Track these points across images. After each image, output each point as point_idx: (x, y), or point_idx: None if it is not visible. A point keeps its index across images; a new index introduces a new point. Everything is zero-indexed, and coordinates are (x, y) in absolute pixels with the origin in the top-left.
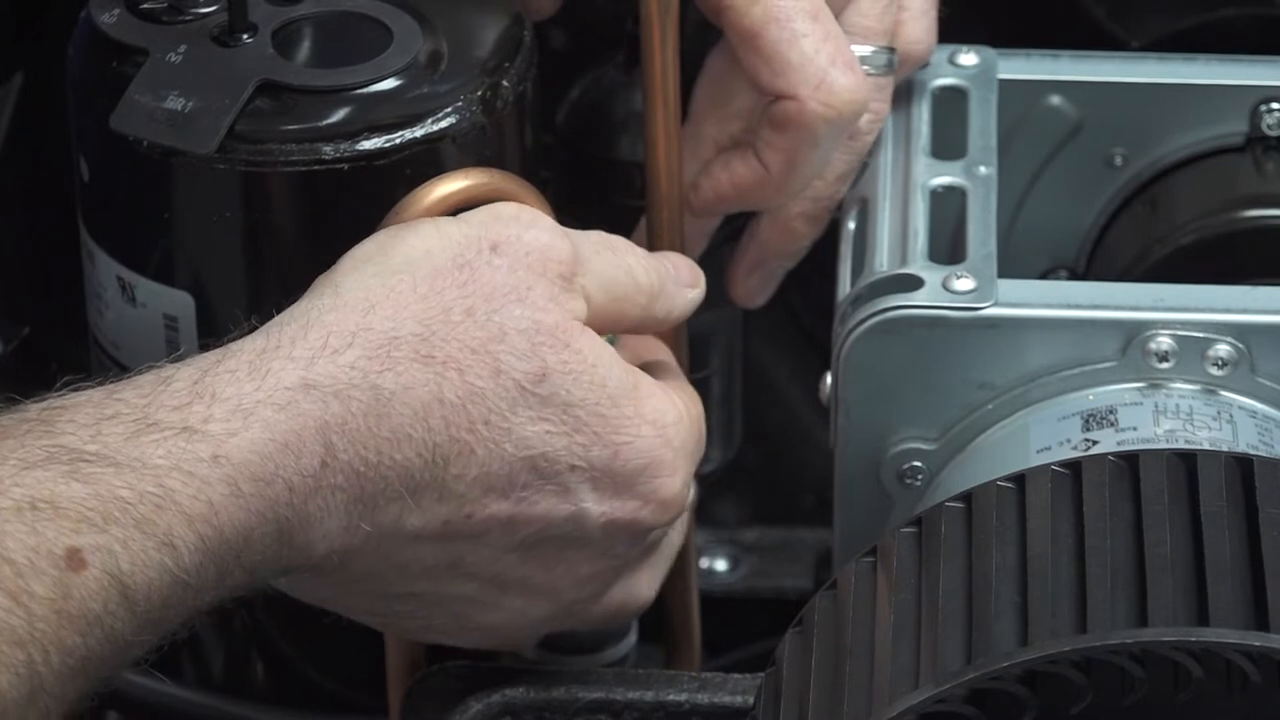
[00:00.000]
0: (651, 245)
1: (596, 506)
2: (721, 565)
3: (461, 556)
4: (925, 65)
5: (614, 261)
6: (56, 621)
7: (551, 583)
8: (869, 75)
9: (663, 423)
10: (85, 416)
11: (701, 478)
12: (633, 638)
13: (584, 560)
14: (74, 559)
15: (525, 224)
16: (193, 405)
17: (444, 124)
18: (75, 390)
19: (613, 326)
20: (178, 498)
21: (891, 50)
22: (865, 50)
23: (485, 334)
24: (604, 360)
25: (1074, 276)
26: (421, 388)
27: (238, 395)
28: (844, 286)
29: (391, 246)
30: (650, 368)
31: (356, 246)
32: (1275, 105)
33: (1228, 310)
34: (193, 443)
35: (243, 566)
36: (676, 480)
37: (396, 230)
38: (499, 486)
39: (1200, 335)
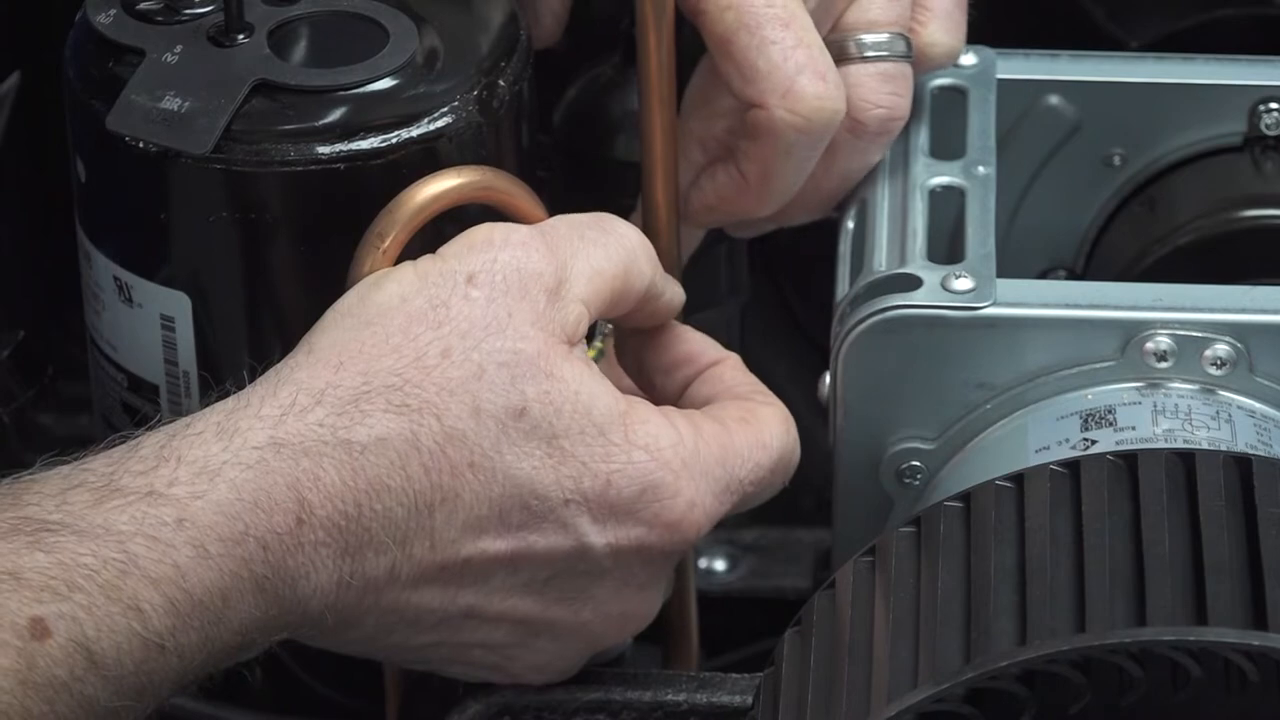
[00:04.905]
0: None
1: (599, 538)
2: (720, 565)
3: (473, 604)
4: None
5: (605, 240)
6: (21, 692)
7: (582, 625)
8: (885, 61)
9: (657, 446)
10: (52, 488)
11: None
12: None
13: (610, 597)
14: (38, 628)
15: (499, 246)
16: (158, 469)
17: (440, 124)
18: (49, 465)
19: (621, 302)
20: (141, 562)
21: (906, 38)
22: (880, 37)
23: (462, 373)
24: (588, 387)
25: (1072, 276)
26: (396, 437)
27: (204, 457)
28: (843, 286)
29: (369, 297)
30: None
31: (339, 299)
32: (1274, 105)
33: (1226, 310)
34: (156, 506)
35: (229, 628)
36: (680, 501)
37: (377, 278)
38: (491, 528)
39: (1199, 335)
